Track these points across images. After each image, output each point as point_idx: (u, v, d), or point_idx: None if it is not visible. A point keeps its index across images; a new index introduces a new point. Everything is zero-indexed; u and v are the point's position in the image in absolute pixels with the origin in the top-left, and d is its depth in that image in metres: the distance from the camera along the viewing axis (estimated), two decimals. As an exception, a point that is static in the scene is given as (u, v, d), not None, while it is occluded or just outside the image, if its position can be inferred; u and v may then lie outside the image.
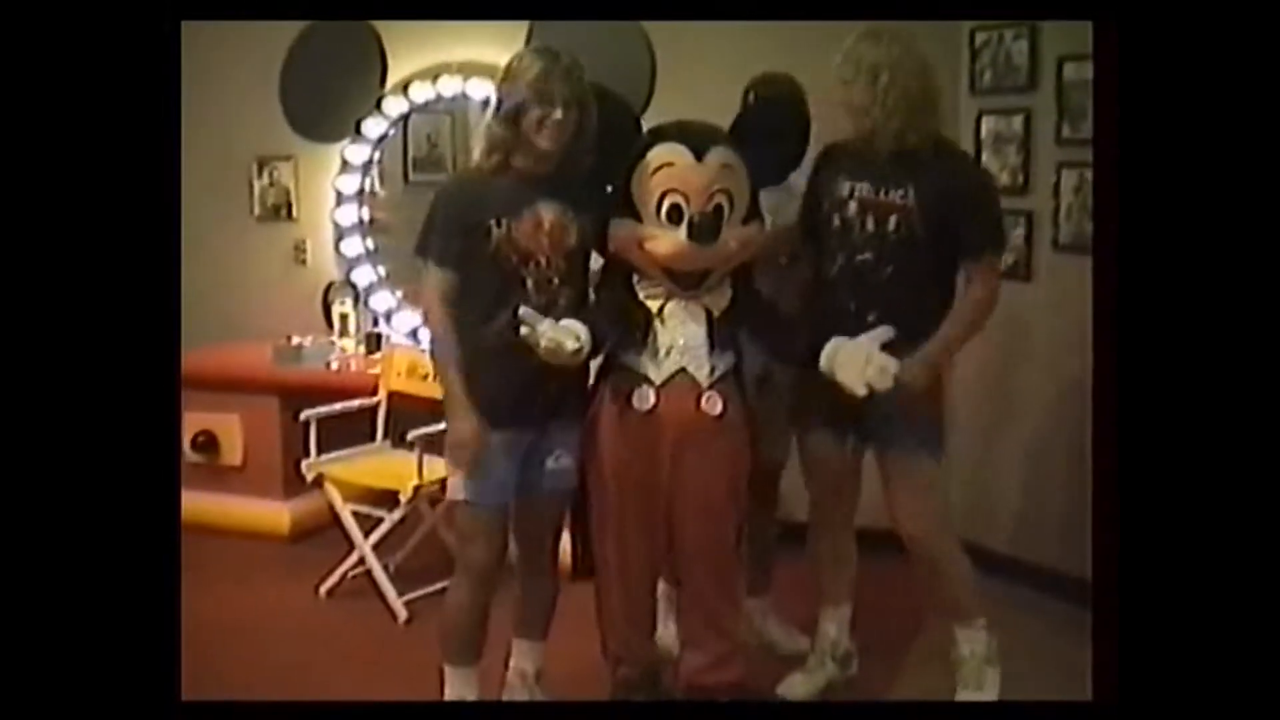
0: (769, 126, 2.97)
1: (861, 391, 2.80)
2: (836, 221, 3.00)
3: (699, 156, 2.80)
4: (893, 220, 2.94)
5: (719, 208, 2.79)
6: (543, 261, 2.81)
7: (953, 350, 3.03)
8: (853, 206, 2.98)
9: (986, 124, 4.13)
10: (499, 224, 2.77)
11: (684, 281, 2.84)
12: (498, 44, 4.51)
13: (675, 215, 2.78)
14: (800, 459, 3.27)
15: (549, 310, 2.78)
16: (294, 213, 5.20)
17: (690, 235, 2.75)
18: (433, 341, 2.87)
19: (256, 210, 5.29)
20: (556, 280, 2.83)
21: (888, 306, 2.94)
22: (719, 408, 2.88)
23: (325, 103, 4.79)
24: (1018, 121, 4.03)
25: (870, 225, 2.96)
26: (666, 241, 2.78)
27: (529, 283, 2.80)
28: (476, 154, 2.89)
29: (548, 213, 2.80)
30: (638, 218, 2.83)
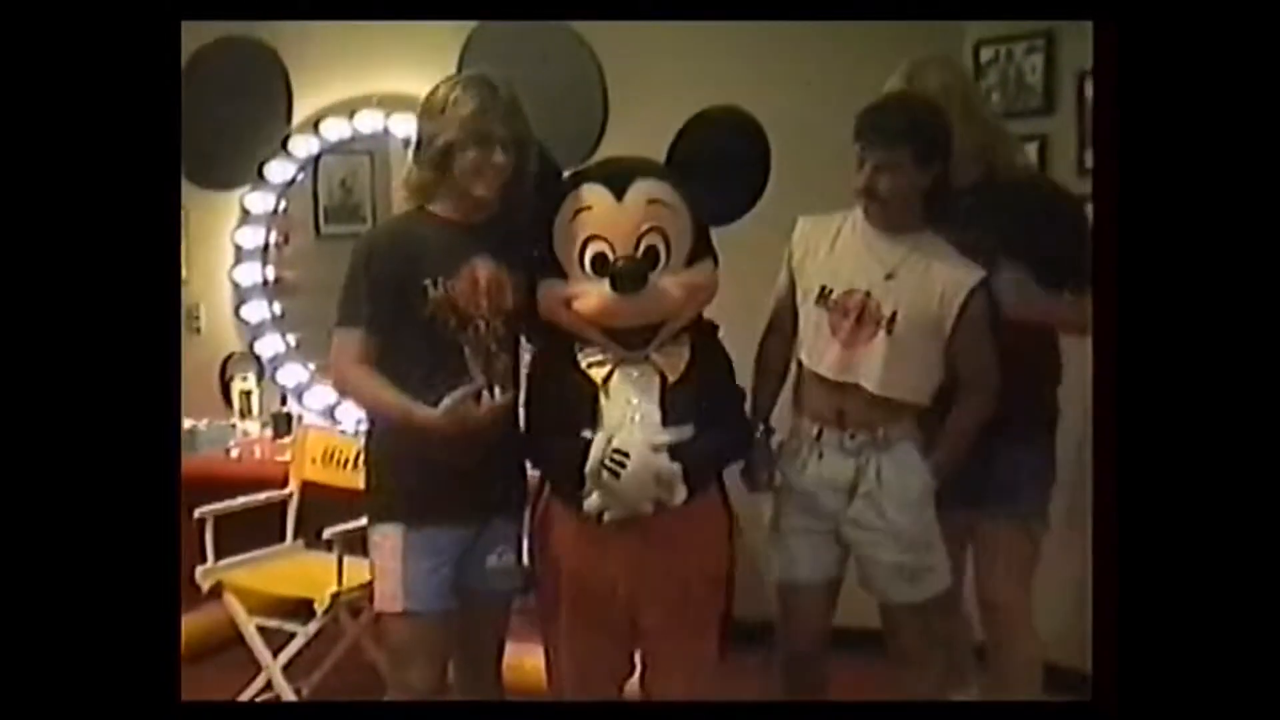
0: (712, 154, 2.66)
1: None
2: None
3: (619, 195, 2.55)
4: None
5: (651, 249, 2.54)
6: (481, 326, 2.58)
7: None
8: None
9: None
10: (435, 284, 2.53)
11: (628, 341, 2.58)
12: (424, 74, 4.16)
13: (601, 265, 2.55)
14: None
15: (491, 387, 2.58)
16: (184, 273, 4.86)
17: (614, 285, 2.50)
18: (361, 400, 2.66)
19: None
20: (494, 347, 2.61)
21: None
22: (682, 494, 2.55)
23: (220, 142, 4.53)
24: (1032, 150, 3.67)
25: None
26: (594, 296, 2.54)
27: (467, 351, 2.55)
28: (398, 202, 2.70)
29: (484, 269, 2.59)
30: (563, 275, 2.60)
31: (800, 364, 2.77)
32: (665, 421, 2.55)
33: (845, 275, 2.69)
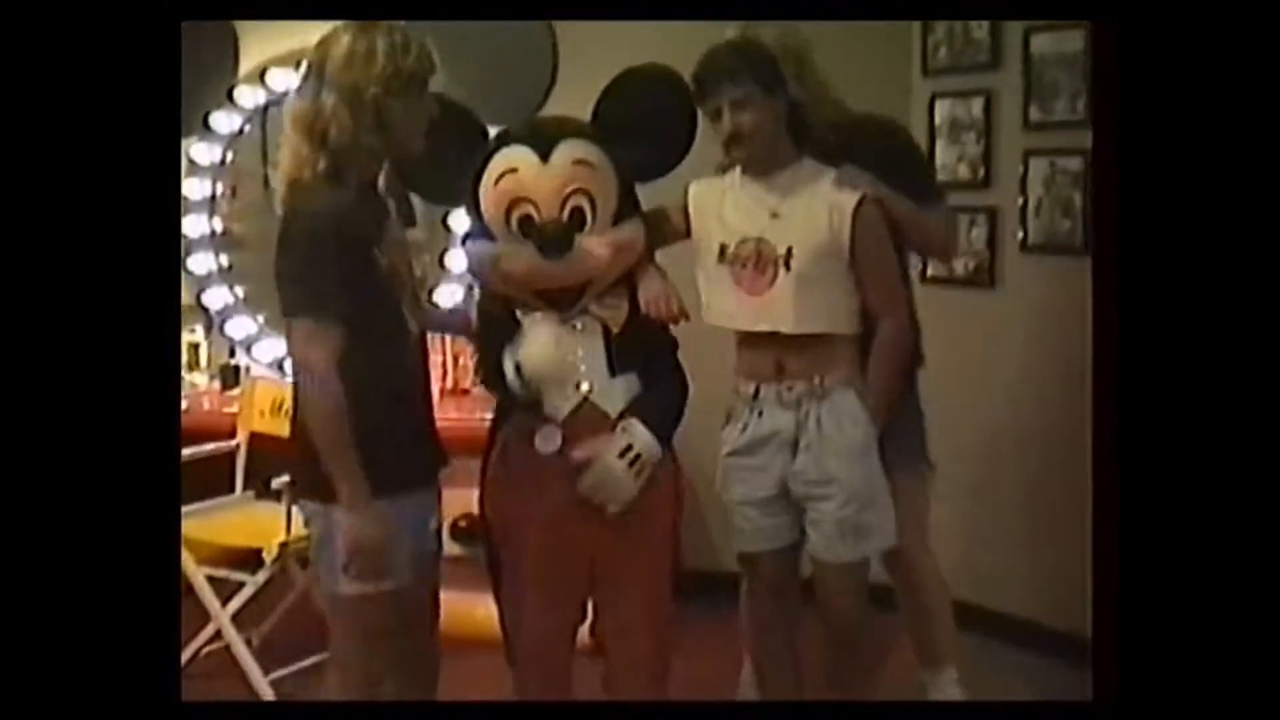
0: (637, 112, 2.62)
1: None
2: None
3: (544, 157, 2.53)
4: None
5: (576, 211, 2.53)
6: (411, 286, 2.52)
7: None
8: None
9: (941, 109, 3.81)
10: (380, 250, 2.38)
11: (557, 302, 2.57)
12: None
13: (527, 227, 2.53)
14: None
15: (420, 343, 2.54)
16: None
17: (539, 250, 2.49)
18: (320, 420, 2.32)
19: None
20: (414, 304, 2.54)
21: None
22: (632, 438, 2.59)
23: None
24: (978, 105, 3.72)
25: None
26: (520, 259, 2.53)
27: (405, 309, 2.47)
28: (318, 166, 2.34)
29: (394, 229, 2.47)
30: (490, 236, 2.58)
31: (734, 332, 2.74)
32: (612, 372, 2.57)
33: (736, 228, 2.67)
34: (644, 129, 2.60)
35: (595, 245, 2.53)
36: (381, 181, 2.48)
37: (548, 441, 2.57)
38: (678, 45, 2.74)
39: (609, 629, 2.68)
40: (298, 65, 4.23)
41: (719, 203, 2.72)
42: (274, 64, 4.46)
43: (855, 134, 2.81)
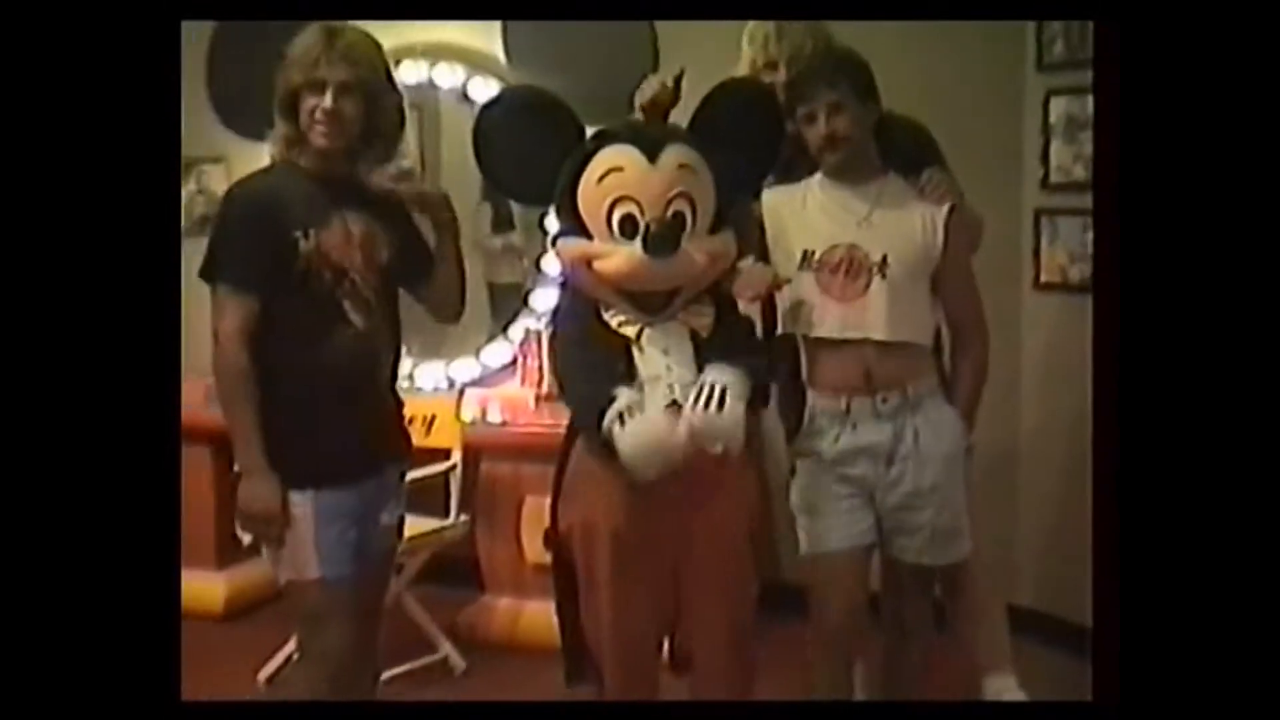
0: (733, 123, 2.66)
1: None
2: None
3: (652, 158, 2.52)
4: None
5: (679, 215, 2.52)
6: (357, 280, 2.58)
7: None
8: None
9: (1056, 106, 3.72)
10: (305, 235, 2.51)
11: (647, 305, 2.57)
12: (469, 24, 4.34)
13: (629, 227, 2.51)
14: None
15: (375, 340, 2.62)
16: None
17: (646, 248, 2.47)
18: (222, 378, 2.52)
19: (182, 223, 4.68)
20: (374, 301, 2.62)
21: None
22: (721, 446, 2.55)
23: (264, 94, 4.27)
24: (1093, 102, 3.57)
25: None
26: (619, 258, 2.51)
27: (347, 305, 2.56)
28: (270, 152, 2.64)
29: (355, 223, 2.59)
30: (586, 234, 2.56)
31: (804, 340, 2.78)
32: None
33: (823, 234, 2.72)
34: (738, 140, 2.64)
35: (694, 251, 2.53)
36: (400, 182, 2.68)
37: None
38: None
39: (691, 635, 2.70)
40: (395, 64, 4.31)
41: (799, 209, 2.77)
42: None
43: (882, 135, 2.85)
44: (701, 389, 2.47)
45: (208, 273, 2.50)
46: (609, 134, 2.61)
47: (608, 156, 2.55)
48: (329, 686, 2.61)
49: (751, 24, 3.01)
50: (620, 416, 2.44)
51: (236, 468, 2.57)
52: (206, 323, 2.82)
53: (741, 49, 3.02)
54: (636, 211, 2.50)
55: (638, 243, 2.50)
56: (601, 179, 2.53)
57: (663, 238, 2.48)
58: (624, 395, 2.48)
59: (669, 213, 2.51)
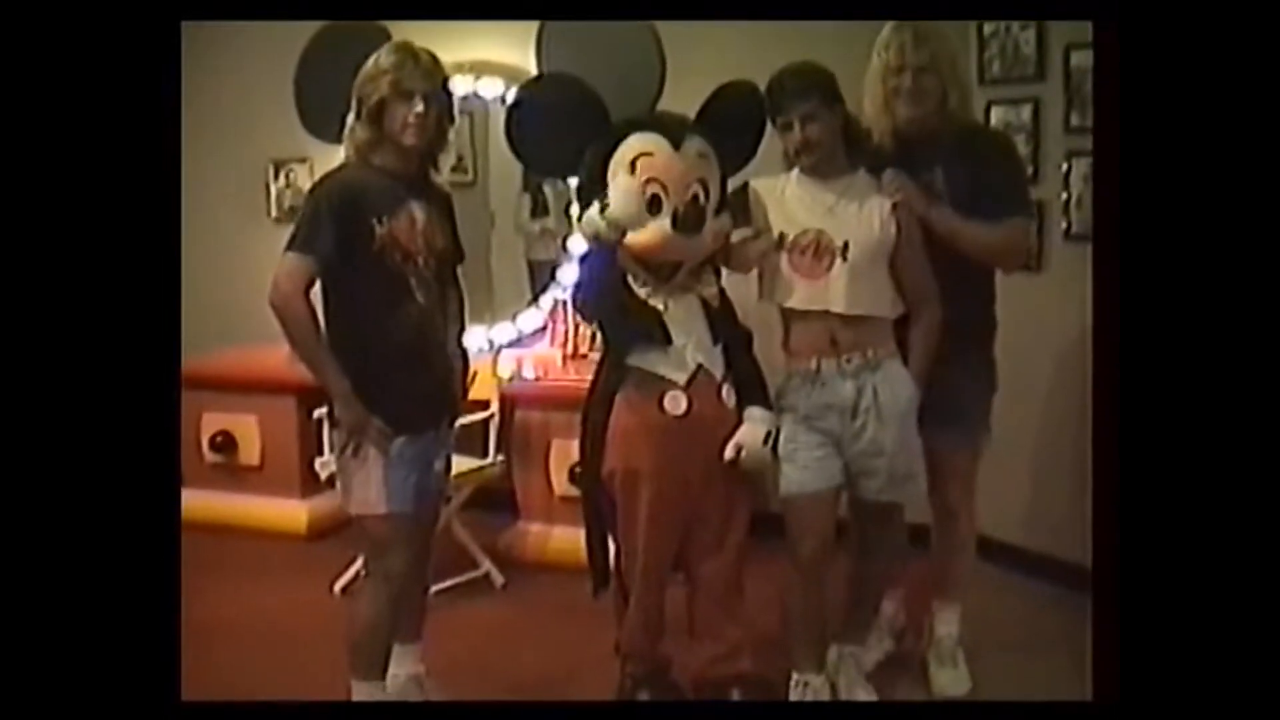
0: (734, 118, 2.92)
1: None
2: None
3: (676, 145, 2.78)
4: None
5: (695, 197, 2.78)
6: (421, 262, 2.79)
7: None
8: None
9: (996, 114, 4.11)
10: (380, 221, 2.72)
11: (659, 273, 2.83)
12: (509, 43, 4.62)
13: (655, 206, 2.76)
14: None
15: (436, 313, 2.82)
16: None
17: (675, 226, 2.73)
18: (295, 332, 2.72)
19: (274, 213, 5.35)
20: (433, 281, 2.83)
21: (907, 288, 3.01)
22: (734, 399, 2.92)
23: (339, 103, 4.67)
24: (1026, 111, 4.03)
25: None
26: (647, 233, 2.77)
27: (413, 283, 2.78)
28: (344, 154, 2.85)
29: (419, 213, 2.79)
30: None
31: (780, 310, 3.00)
32: (714, 340, 2.88)
33: (797, 220, 2.93)
34: (734, 133, 2.89)
35: (706, 229, 2.80)
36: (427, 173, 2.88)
37: (676, 404, 2.84)
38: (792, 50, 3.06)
39: (697, 553, 2.98)
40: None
41: (779, 198, 2.98)
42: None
43: (962, 141, 3.03)
44: (768, 436, 2.87)
45: (289, 242, 2.69)
46: (635, 122, 2.84)
47: (638, 141, 2.78)
48: (390, 601, 2.84)
49: (885, 32, 3.03)
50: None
51: (322, 409, 2.81)
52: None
53: (874, 56, 3.03)
54: (662, 193, 2.75)
55: (666, 220, 2.73)
56: (634, 161, 2.77)
57: (691, 218, 2.74)
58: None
59: (688, 195, 2.77)
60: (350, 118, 2.77)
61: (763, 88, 2.96)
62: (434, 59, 2.78)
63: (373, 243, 2.70)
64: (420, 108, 2.71)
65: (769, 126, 2.98)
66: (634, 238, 2.78)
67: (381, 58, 2.73)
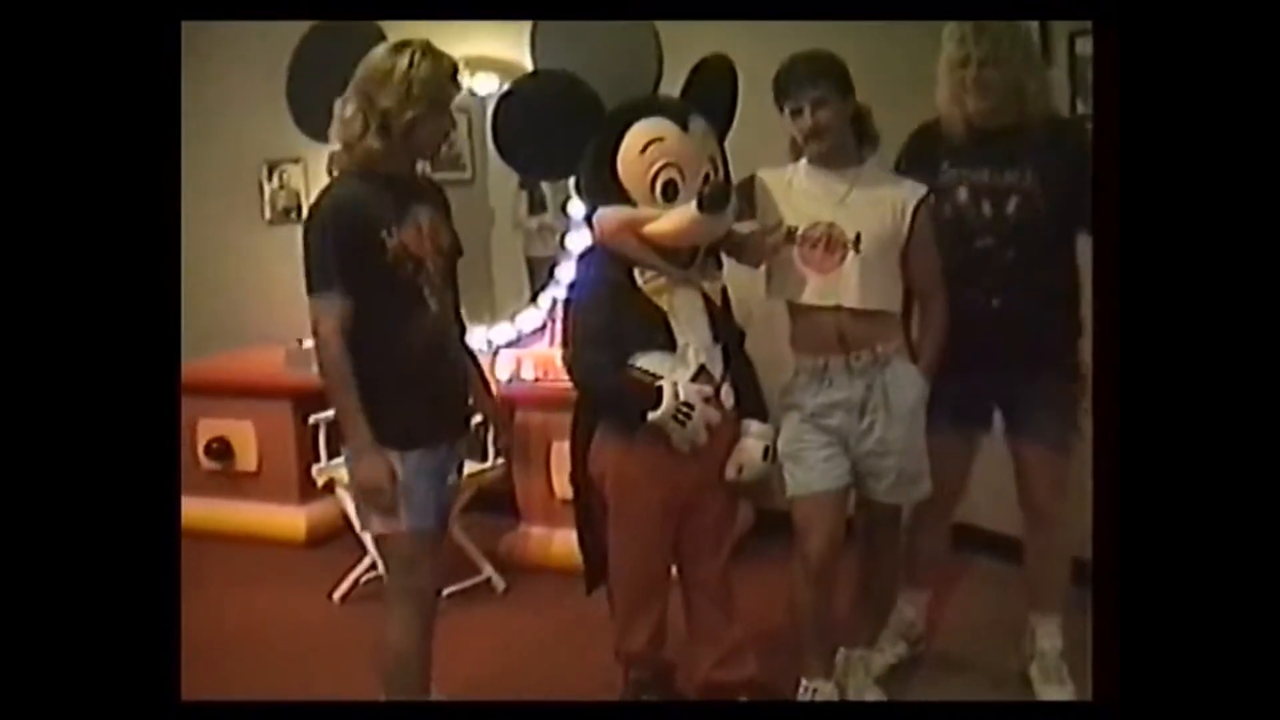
0: (714, 93, 2.86)
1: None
2: (948, 210, 2.96)
3: (684, 126, 2.72)
4: (1012, 202, 2.92)
5: (708, 176, 2.72)
6: (431, 267, 2.69)
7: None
8: (963, 193, 2.95)
9: None
10: (390, 233, 2.60)
11: (678, 260, 2.76)
12: (503, 40, 4.56)
13: (671, 191, 2.69)
14: None
15: (446, 318, 2.74)
16: (304, 215, 5.14)
17: (702, 206, 2.65)
18: (328, 375, 2.60)
19: (268, 214, 5.34)
20: (441, 283, 2.73)
21: (1014, 290, 2.92)
22: (733, 399, 2.85)
23: (331, 102, 4.62)
24: None
25: (987, 210, 2.93)
26: (673, 219, 2.69)
27: (425, 291, 2.68)
28: (345, 165, 2.66)
29: (423, 216, 2.69)
30: (628, 201, 2.72)
31: (788, 305, 2.94)
32: (715, 339, 2.80)
33: (807, 212, 2.86)
34: (714, 109, 2.82)
35: (730, 207, 2.73)
36: (421, 169, 2.77)
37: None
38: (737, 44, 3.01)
39: (690, 553, 2.93)
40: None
41: (786, 190, 2.91)
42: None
43: (1055, 134, 2.92)
44: (767, 450, 2.83)
45: (318, 284, 2.55)
46: (634, 108, 2.75)
47: (646, 127, 2.69)
48: (421, 618, 2.76)
49: (949, 24, 2.91)
50: (677, 417, 2.67)
51: (346, 449, 2.65)
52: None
53: (942, 45, 2.92)
54: (678, 177, 2.67)
55: (691, 203, 2.65)
56: (644, 149, 2.68)
57: (718, 197, 2.67)
58: (668, 390, 2.66)
59: (701, 175, 2.69)
60: (355, 125, 2.59)
61: (770, 78, 2.90)
62: (454, 64, 2.66)
63: (385, 256, 2.59)
64: (454, 124, 2.66)
65: (778, 112, 2.90)
66: (657, 226, 2.69)
67: (416, 68, 2.56)
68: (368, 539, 3.78)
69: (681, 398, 2.69)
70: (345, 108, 2.61)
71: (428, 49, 2.60)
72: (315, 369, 2.67)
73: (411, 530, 2.68)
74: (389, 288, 2.61)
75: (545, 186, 4.86)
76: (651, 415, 2.69)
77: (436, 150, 2.71)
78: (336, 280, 2.55)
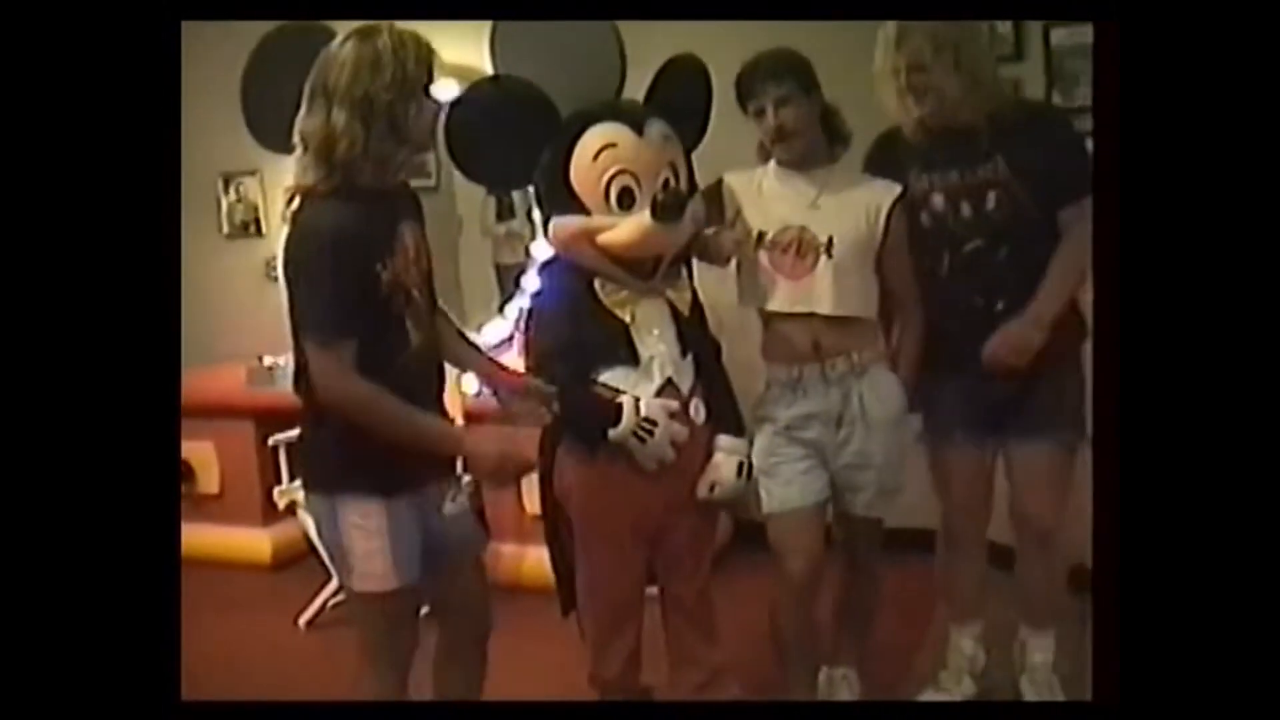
0: (683, 96, 2.75)
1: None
2: (926, 218, 2.84)
3: (639, 131, 2.60)
4: (991, 198, 2.78)
5: (666, 183, 2.61)
6: (416, 295, 2.38)
7: (1061, 301, 2.77)
8: (938, 199, 2.82)
9: None
10: (384, 265, 2.28)
11: (639, 271, 2.64)
12: (463, 43, 4.36)
13: (626, 199, 2.59)
14: (933, 472, 3.07)
15: (428, 349, 2.43)
16: (263, 228, 5.15)
17: (656, 215, 2.54)
18: (369, 415, 2.29)
19: (225, 228, 5.26)
20: (425, 311, 2.43)
21: (1014, 288, 2.78)
22: (703, 414, 2.74)
23: (289, 112, 4.53)
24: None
25: (967, 211, 2.80)
26: (626, 228, 2.57)
27: (410, 324, 2.37)
28: (329, 182, 2.26)
29: (408, 236, 2.36)
30: (581, 210, 2.61)
31: (759, 314, 2.85)
32: (684, 351, 2.69)
33: (776, 216, 2.77)
34: (685, 112, 2.72)
35: (687, 215, 2.62)
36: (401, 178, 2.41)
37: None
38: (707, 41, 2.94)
39: (665, 574, 2.83)
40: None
41: (755, 193, 2.82)
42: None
43: (1021, 121, 2.81)
44: (741, 466, 2.71)
45: (302, 325, 2.27)
46: (588, 114, 2.64)
47: (600, 133, 2.58)
48: (399, 688, 2.52)
49: (879, 32, 2.77)
50: (638, 434, 2.56)
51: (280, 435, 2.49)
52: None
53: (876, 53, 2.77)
54: (633, 184, 2.56)
55: (645, 212, 2.54)
56: (597, 155, 2.57)
57: (672, 206, 2.55)
58: (628, 405, 2.55)
59: (659, 182, 2.59)
60: (331, 126, 2.22)
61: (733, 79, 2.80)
62: (428, 42, 2.32)
63: (380, 292, 2.28)
64: (440, 105, 2.38)
65: (740, 112, 2.82)
66: (610, 236, 2.58)
67: (403, 49, 2.23)
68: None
69: (643, 414, 2.59)
70: (311, 111, 2.26)
71: (401, 30, 2.28)
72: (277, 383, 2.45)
73: (399, 589, 2.40)
74: (379, 325, 2.31)
75: (514, 192, 4.76)
76: (612, 433, 2.59)
77: (433, 136, 2.41)
78: (333, 325, 2.25)
